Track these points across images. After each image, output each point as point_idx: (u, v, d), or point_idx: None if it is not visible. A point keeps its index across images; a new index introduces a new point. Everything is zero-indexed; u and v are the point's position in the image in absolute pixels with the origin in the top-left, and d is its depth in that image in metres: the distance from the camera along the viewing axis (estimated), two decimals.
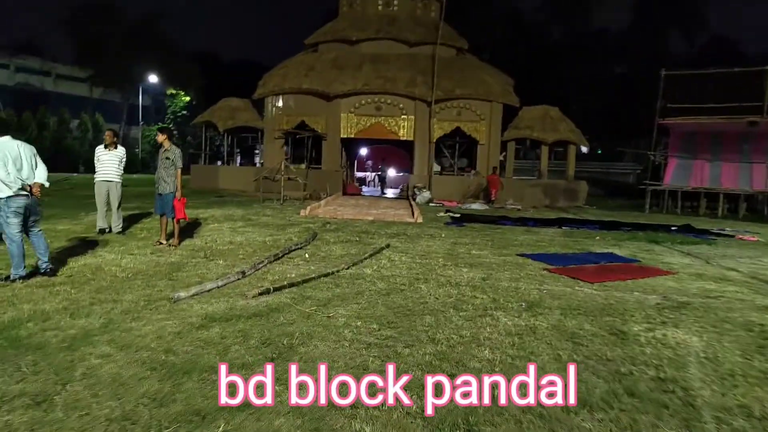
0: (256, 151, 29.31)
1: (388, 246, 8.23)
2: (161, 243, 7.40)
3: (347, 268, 6.34)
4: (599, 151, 48.85)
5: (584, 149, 41.43)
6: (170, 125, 43.28)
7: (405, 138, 21.50)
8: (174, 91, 43.44)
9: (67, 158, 35.81)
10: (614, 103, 45.08)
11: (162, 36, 43.50)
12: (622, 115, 44.88)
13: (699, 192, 22.17)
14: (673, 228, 13.90)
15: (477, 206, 18.31)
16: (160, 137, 7.59)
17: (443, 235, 10.03)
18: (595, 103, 44.80)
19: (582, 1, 46.83)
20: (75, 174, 30.88)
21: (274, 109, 22.14)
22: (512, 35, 46.52)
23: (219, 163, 25.17)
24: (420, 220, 12.55)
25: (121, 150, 8.46)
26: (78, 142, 38.20)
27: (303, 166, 21.79)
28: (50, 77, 44.40)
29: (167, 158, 7.45)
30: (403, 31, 22.23)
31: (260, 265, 6.14)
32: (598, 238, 11.11)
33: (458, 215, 14.48)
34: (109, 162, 8.23)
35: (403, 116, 21.32)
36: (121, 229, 8.28)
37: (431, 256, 7.69)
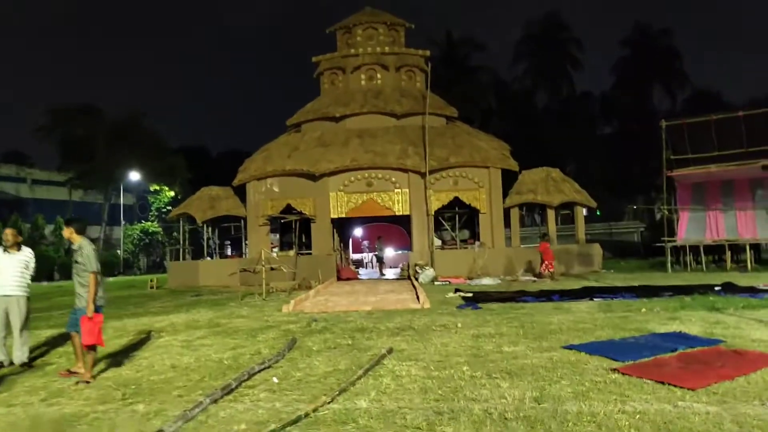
0: (247, 242, 27.46)
1: (390, 351, 6.12)
2: (71, 372, 5.28)
3: (329, 402, 4.23)
4: (598, 213, 47.44)
5: (584, 212, 40.05)
6: (155, 222, 41.83)
7: (401, 213, 19.82)
8: (158, 187, 42.26)
9: (42, 266, 33.81)
10: (606, 163, 44.27)
11: (146, 133, 42.83)
12: (616, 173, 43.99)
13: (719, 245, 20.41)
14: (716, 288, 11.91)
15: (488, 281, 16.26)
16: (66, 231, 5.64)
17: (459, 325, 7.93)
18: (587, 165, 43.96)
19: (563, 68, 47.17)
20: (45, 283, 28.76)
21: (256, 194, 20.55)
22: (498, 105, 46.45)
23: (207, 258, 23.30)
24: (427, 305, 10.47)
25: (26, 253, 6.44)
26: (53, 248, 36.40)
27: (292, 252, 19.90)
28: (26, 183, 43.33)
29: (76, 261, 5.48)
30: (389, 104, 21.16)
31: (194, 412, 4.03)
32: (644, 310, 9.05)
33: (470, 294, 12.40)
34: (8, 269, 6.20)
35: (396, 190, 19.73)
36: (26, 360, 6.13)
37: (451, 361, 5.58)
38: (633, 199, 46.30)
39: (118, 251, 42.09)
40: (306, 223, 20.27)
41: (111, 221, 43.86)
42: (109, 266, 39.65)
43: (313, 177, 19.52)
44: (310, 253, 19.94)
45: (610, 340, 6.46)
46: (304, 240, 20.92)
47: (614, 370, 4.97)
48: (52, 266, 35.42)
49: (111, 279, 32.74)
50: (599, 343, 6.29)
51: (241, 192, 21.56)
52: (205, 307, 12.08)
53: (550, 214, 20.87)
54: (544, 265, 17.22)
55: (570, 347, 6.07)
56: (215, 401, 4.37)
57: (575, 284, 14.88)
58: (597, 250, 20.75)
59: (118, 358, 6.44)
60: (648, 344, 6.07)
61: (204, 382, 5.18)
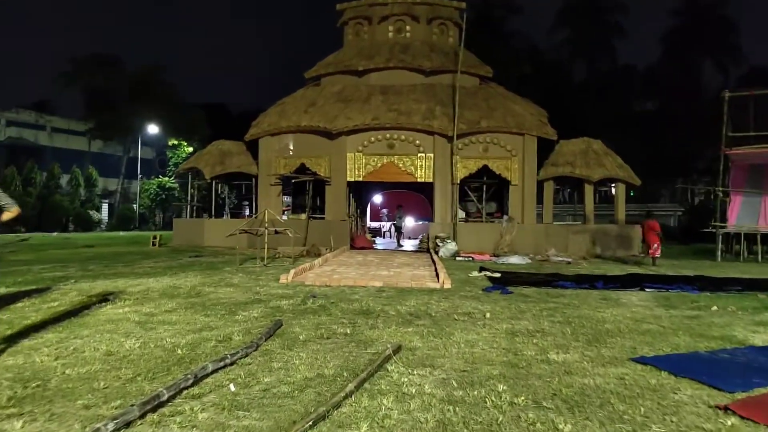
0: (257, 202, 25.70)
1: (398, 350, 4.59)
2: None
3: None
4: (632, 193, 44.90)
5: (614, 190, 37.67)
6: (172, 177, 40.85)
7: (423, 179, 18.13)
8: (176, 142, 41.14)
9: (55, 216, 33.13)
10: (644, 141, 41.50)
11: (166, 86, 41.79)
12: (654, 153, 41.23)
13: None
14: None
15: (516, 260, 14.60)
16: None
17: (488, 315, 6.36)
18: (624, 141, 41.34)
19: (604, 39, 44.09)
20: (54, 233, 27.93)
21: (269, 151, 19.03)
22: (534, 73, 43.76)
23: (226, 216, 21.90)
24: (448, 284, 8.92)
25: None
26: (68, 198, 35.67)
27: (304, 216, 18.48)
28: (45, 131, 42.51)
29: None
30: (417, 59, 19.25)
31: None
32: (715, 308, 7.36)
33: (498, 274, 10.81)
34: None
35: (420, 154, 18.02)
36: None
37: (481, 374, 4.03)
38: (671, 182, 43.63)
39: (134, 205, 41.41)
40: (321, 186, 18.78)
41: (130, 174, 43.16)
42: (124, 220, 39.10)
43: (329, 135, 17.90)
44: (323, 218, 18.48)
45: (695, 352, 4.81)
46: (318, 203, 19.48)
47: (725, 408, 3.36)
48: (65, 216, 34.81)
49: (123, 233, 32.00)
50: (682, 357, 4.65)
51: (254, 148, 20.07)
52: (196, 271, 10.73)
53: (588, 191, 18.95)
54: (652, 247, 14.49)
55: (642, 360, 4.45)
56: (127, 425, 2.90)
57: (616, 269, 13.16)
58: (637, 232, 18.81)
59: (47, 334, 5.04)
60: (752, 363, 4.43)
61: (135, 383, 3.72)
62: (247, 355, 4.39)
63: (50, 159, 39.13)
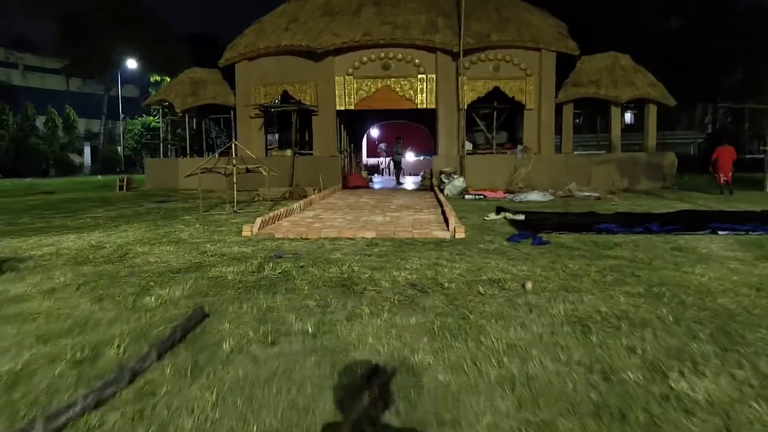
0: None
1: (391, 375, 2.49)
2: None
3: None
4: None
5: (628, 118, 34.92)
6: (155, 115, 38.20)
7: (424, 106, 15.68)
8: (158, 78, 38.15)
9: (33, 160, 30.81)
10: (666, 62, 38.23)
11: (146, 12, 38.29)
12: (674, 75, 38.06)
13: None
14: None
15: (536, 197, 12.45)
16: None
17: (529, 286, 4.22)
18: (646, 63, 38.13)
19: None
20: (27, 179, 25.74)
21: (246, 78, 16.49)
22: None
23: (212, 155, 19.37)
24: (461, 233, 6.80)
25: None
26: (46, 143, 33.21)
27: (289, 152, 16.21)
28: (17, 69, 39.39)
29: None
30: None
31: None
32: None
33: (521, 217, 8.64)
34: None
35: (420, 76, 15.49)
36: None
37: None
38: (690, 107, 40.65)
39: (119, 148, 38.98)
40: (308, 117, 16.37)
41: (113, 115, 40.48)
42: (109, 163, 36.78)
43: (314, 56, 15.31)
44: (312, 154, 16.20)
45: None
46: (306, 138, 17.16)
47: None
48: (43, 161, 32.52)
49: (100, 177, 29.81)
50: None
51: (231, 76, 17.50)
52: (146, 221, 8.62)
53: (615, 114, 16.48)
54: (728, 175, 13.85)
55: None
56: None
57: (658, 205, 11.02)
58: (670, 160, 16.54)
59: None
60: None
61: None
62: (95, 406, 2.29)
63: (25, 100, 36.33)
